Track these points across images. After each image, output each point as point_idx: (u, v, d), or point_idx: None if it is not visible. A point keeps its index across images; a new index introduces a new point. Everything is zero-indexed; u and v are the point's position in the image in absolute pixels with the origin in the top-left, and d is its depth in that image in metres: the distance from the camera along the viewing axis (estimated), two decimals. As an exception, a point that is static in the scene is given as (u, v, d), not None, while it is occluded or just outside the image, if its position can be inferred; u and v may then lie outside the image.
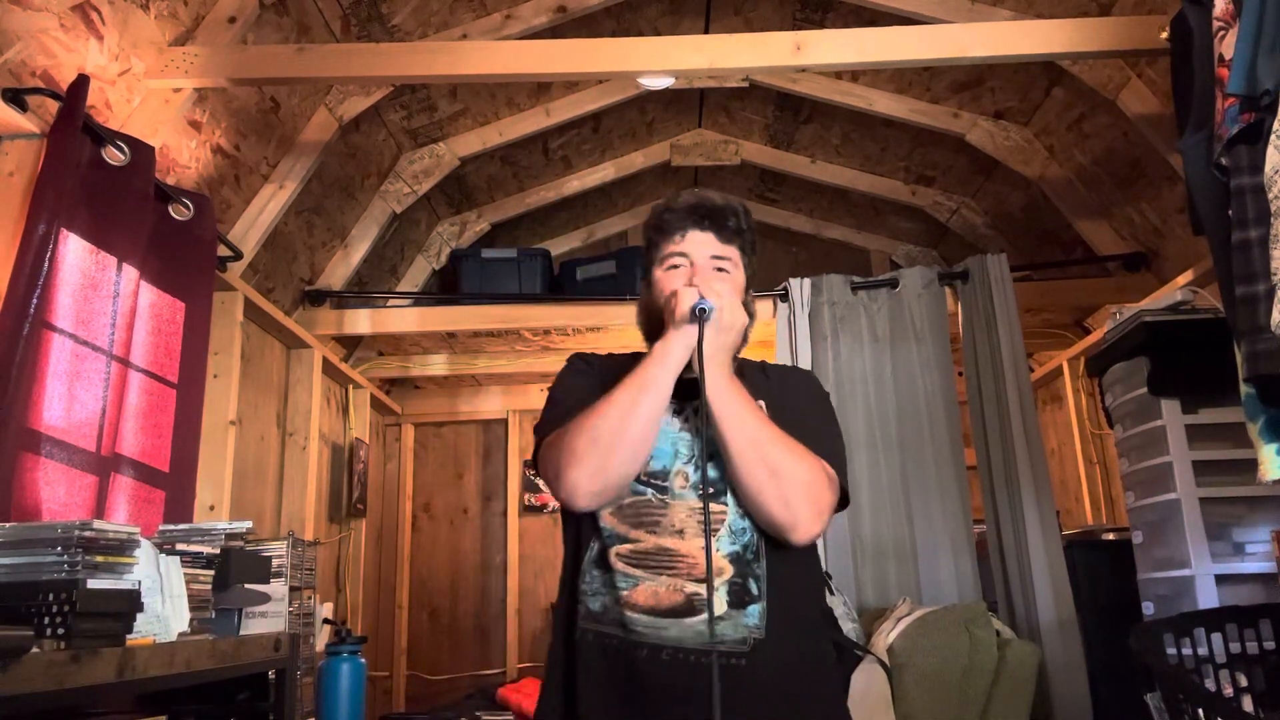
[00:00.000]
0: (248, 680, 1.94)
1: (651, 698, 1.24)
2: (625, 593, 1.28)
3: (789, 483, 1.28)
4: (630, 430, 1.27)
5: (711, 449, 1.31)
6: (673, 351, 1.31)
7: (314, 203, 3.43)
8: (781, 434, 1.31)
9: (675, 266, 1.42)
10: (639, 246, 4.60)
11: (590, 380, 1.41)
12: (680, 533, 1.30)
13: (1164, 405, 2.48)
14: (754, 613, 1.27)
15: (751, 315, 1.42)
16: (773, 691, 1.25)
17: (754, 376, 1.46)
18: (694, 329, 1.30)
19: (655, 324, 1.39)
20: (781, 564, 1.32)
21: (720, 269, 1.41)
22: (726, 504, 1.32)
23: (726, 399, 1.30)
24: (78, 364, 2.13)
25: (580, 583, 1.33)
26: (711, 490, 1.31)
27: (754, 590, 1.29)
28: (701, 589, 1.25)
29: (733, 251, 1.43)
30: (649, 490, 1.33)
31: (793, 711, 1.26)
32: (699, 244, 1.42)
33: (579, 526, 1.36)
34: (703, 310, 1.29)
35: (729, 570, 1.29)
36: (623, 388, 1.30)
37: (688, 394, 1.34)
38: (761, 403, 1.37)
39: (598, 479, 1.28)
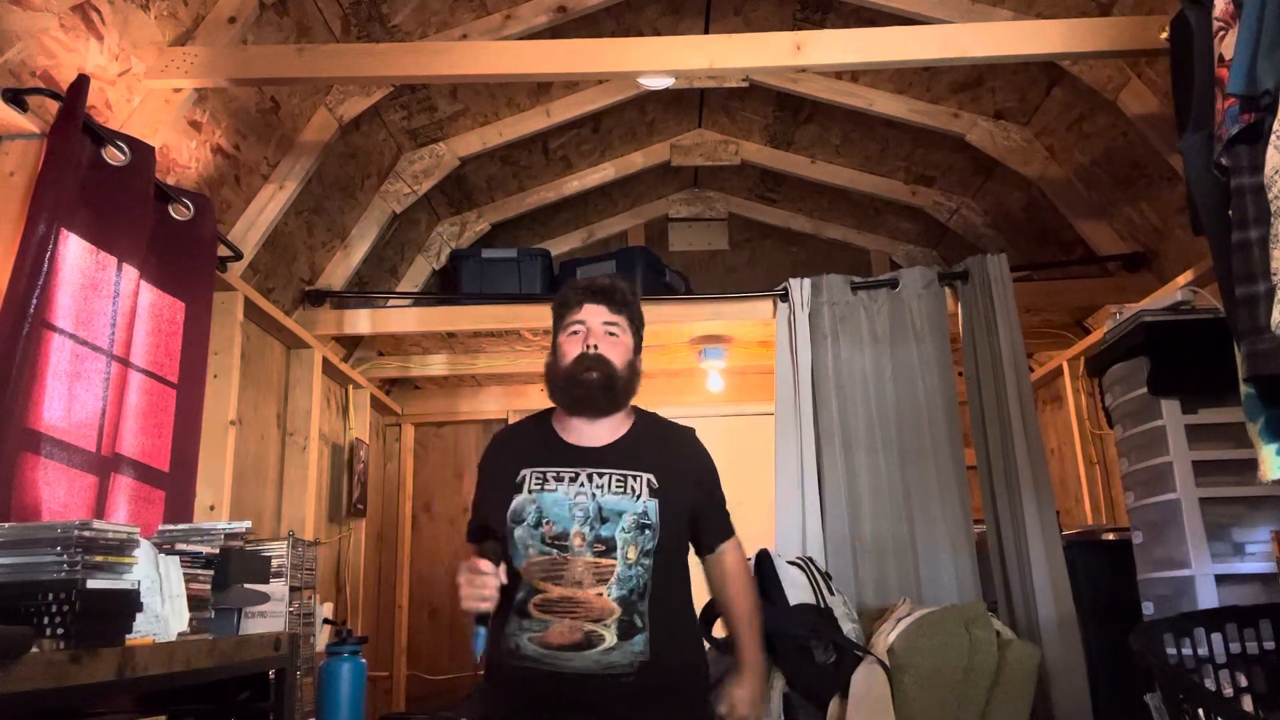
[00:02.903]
0: (248, 680, 1.94)
1: (560, 712, 1.62)
2: (539, 634, 1.63)
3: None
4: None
5: (605, 513, 1.67)
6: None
7: (314, 203, 3.43)
8: (757, 615, 1.86)
9: (575, 332, 1.79)
10: (639, 246, 4.63)
11: (489, 482, 1.82)
12: (579, 583, 1.63)
13: (1164, 405, 2.48)
14: (639, 641, 1.63)
15: (637, 372, 1.82)
16: (655, 698, 1.64)
17: (643, 427, 1.81)
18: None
19: (556, 382, 1.80)
20: (664, 601, 1.68)
21: (611, 333, 1.78)
22: (615, 558, 1.64)
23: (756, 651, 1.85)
24: (78, 364, 2.12)
25: (507, 626, 1.67)
26: (604, 548, 1.65)
27: (638, 624, 1.64)
28: (597, 627, 1.62)
29: (622, 320, 1.80)
30: (554, 550, 1.66)
31: (666, 711, 1.65)
32: (594, 314, 1.79)
33: (511, 581, 1.67)
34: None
35: (618, 611, 1.63)
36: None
37: (581, 462, 1.73)
38: (651, 476, 1.71)
39: None
